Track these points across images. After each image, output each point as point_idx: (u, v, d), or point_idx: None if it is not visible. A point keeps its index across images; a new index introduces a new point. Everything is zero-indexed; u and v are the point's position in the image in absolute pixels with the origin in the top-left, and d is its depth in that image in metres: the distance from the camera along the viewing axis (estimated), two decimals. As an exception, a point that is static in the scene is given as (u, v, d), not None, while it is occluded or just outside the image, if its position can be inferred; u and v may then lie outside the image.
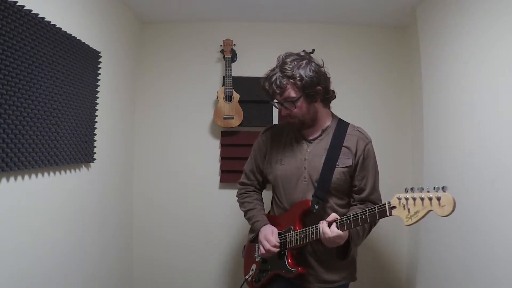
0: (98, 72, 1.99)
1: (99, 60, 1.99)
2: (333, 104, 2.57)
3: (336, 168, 1.52)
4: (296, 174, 1.58)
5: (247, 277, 1.69)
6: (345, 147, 1.56)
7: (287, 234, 1.56)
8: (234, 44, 2.59)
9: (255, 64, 2.66)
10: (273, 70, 1.53)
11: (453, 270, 1.84)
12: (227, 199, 2.64)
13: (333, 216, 1.41)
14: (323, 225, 1.39)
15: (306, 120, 1.58)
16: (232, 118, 2.52)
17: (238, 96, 2.54)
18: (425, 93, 2.25)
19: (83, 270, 1.92)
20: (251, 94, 2.59)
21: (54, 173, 1.64)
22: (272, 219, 1.68)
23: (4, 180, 1.31)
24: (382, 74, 2.69)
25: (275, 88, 1.50)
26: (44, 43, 1.49)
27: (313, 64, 1.52)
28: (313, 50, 2.63)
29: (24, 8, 1.35)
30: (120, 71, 2.39)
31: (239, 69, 2.64)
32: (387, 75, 2.69)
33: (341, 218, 1.37)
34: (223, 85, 2.55)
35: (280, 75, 1.49)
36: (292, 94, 1.50)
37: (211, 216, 2.68)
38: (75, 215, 1.83)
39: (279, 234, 1.59)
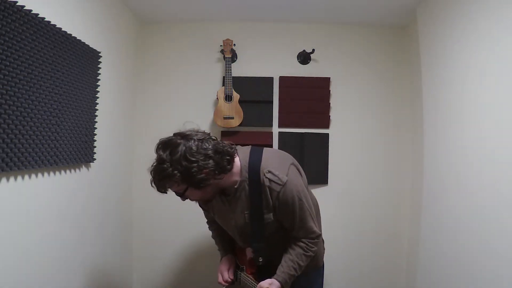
0: (98, 72, 1.99)
1: (99, 60, 1.99)
2: (333, 104, 2.61)
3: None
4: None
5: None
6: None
7: (241, 273, 1.64)
8: (234, 44, 2.59)
9: (255, 64, 2.66)
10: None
11: (453, 270, 1.84)
12: (227, 199, 2.64)
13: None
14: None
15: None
16: (232, 118, 2.52)
17: (238, 96, 2.54)
18: (425, 93, 2.25)
19: (83, 270, 1.92)
20: (251, 94, 2.59)
21: (54, 173, 1.64)
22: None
23: (4, 180, 1.31)
24: (382, 74, 2.69)
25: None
26: (44, 43, 1.49)
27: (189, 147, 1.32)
28: (313, 50, 2.63)
29: (24, 8, 1.35)
30: (120, 71, 2.39)
31: (239, 69, 2.64)
32: (387, 75, 2.69)
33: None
34: (223, 85, 2.55)
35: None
36: (175, 188, 1.42)
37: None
38: (75, 215, 1.83)
39: (237, 267, 1.68)
